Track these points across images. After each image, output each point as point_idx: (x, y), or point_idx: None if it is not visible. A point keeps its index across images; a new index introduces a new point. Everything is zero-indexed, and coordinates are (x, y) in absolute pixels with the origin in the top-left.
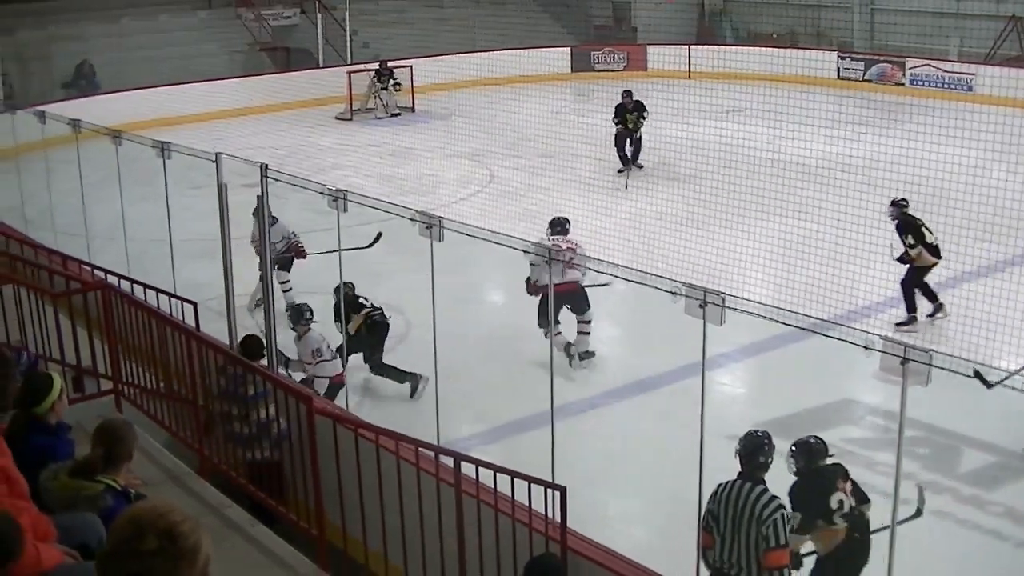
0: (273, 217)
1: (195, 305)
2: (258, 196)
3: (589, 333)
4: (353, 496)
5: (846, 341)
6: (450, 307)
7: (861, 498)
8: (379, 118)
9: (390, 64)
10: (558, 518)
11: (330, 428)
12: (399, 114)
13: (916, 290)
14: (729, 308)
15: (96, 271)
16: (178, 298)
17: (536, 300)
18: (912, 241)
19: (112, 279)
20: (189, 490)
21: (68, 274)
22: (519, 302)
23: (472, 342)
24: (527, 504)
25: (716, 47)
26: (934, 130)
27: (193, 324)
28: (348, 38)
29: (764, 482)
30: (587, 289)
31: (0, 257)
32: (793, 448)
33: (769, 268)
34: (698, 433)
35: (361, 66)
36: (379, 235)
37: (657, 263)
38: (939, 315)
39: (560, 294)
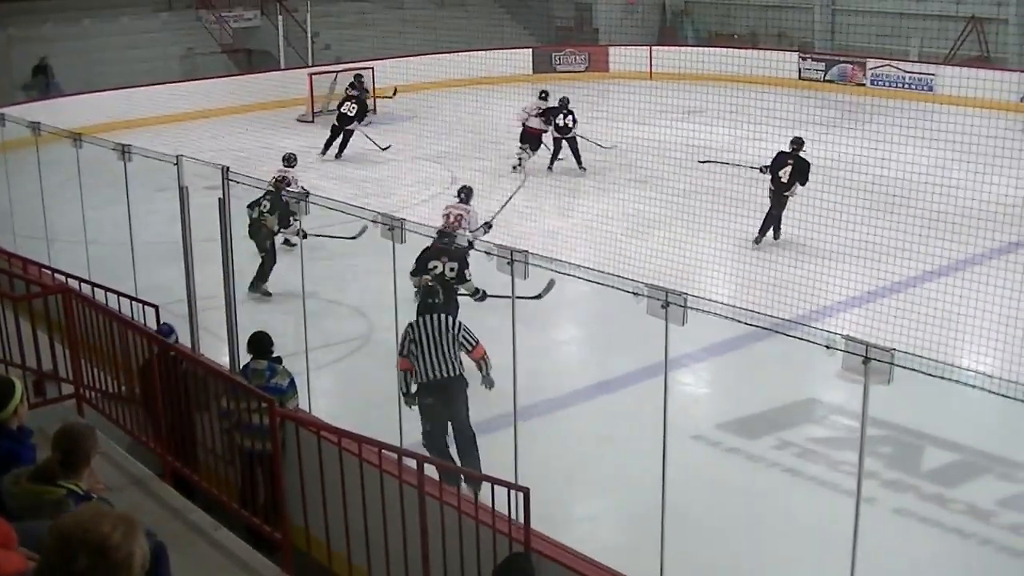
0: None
1: (156, 308)
2: (219, 199)
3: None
4: (316, 498)
5: (808, 341)
6: (413, 309)
7: None
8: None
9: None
10: (522, 519)
11: (293, 431)
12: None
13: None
14: (691, 308)
15: (57, 275)
16: (139, 301)
17: None
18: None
19: (73, 283)
20: (152, 494)
21: (28, 278)
22: (484, 303)
23: None
24: (491, 505)
25: (678, 48)
26: (895, 130)
27: (154, 327)
28: (309, 40)
29: None
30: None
31: None
32: None
33: (732, 268)
34: (662, 433)
35: (323, 68)
36: (364, 227)
37: (619, 264)
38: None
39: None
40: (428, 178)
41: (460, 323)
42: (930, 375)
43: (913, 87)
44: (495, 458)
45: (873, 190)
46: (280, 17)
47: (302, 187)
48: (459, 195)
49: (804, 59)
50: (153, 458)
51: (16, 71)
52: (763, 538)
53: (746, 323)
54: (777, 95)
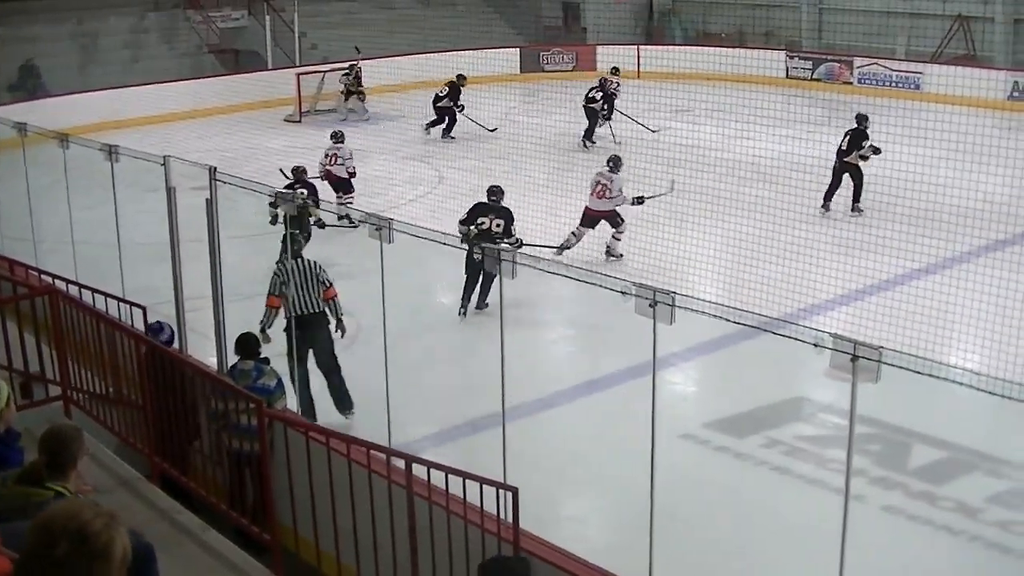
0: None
1: (144, 309)
2: (207, 199)
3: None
4: (305, 499)
5: (796, 339)
6: (401, 309)
7: None
8: (342, 120)
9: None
10: (511, 519)
11: (281, 431)
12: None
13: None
14: (679, 307)
15: (44, 276)
16: (126, 302)
17: None
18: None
19: (60, 284)
20: (140, 495)
21: (15, 279)
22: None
23: (424, 343)
24: (479, 505)
25: (665, 47)
26: (882, 129)
27: (142, 328)
28: (297, 40)
29: None
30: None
31: None
32: None
33: (720, 267)
34: (650, 433)
35: (310, 68)
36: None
37: (607, 263)
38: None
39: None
40: (416, 177)
41: (320, 264)
42: (918, 373)
43: (900, 85)
44: (483, 458)
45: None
46: (267, 17)
47: (352, 162)
48: (608, 164)
49: (792, 58)
50: (141, 459)
51: (3, 71)
52: (752, 537)
53: (734, 322)
54: (765, 94)
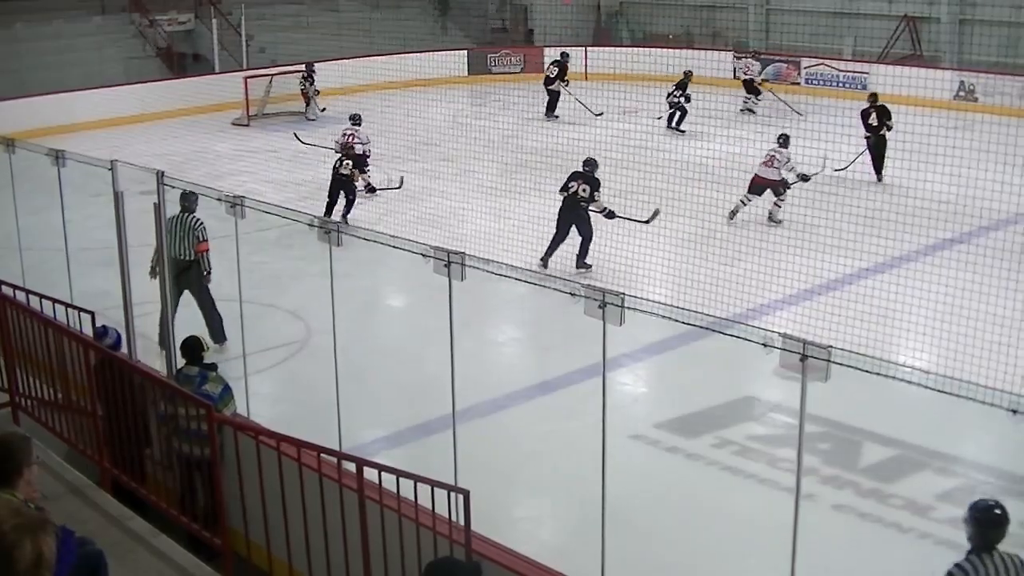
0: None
1: (92, 315)
2: (155, 203)
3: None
4: (256, 503)
5: (746, 339)
6: (351, 312)
7: None
8: (311, 120)
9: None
10: (463, 521)
11: (231, 436)
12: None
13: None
14: (628, 308)
15: None
16: (74, 307)
17: None
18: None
19: (7, 290)
20: (90, 502)
21: None
22: (421, 305)
23: (374, 346)
24: (431, 508)
25: (613, 48)
26: (830, 128)
27: (90, 334)
28: (244, 43)
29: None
30: None
31: None
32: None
33: (669, 267)
34: (601, 434)
35: (257, 71)
36: (402, 178)
37: (557, 265)
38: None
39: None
40: (365, 180)
41: (199, 220)
42: (867, 372)
43: (847, 86)
44: (435, 460)
45: (809, 188)
46: (214, 20)
47: (370, 146)
48: (779, 139)
49: (739, 58)
50: (91, 465)
51: None
52: (703, 536)
53: (684, 322)
54: (713, 94)
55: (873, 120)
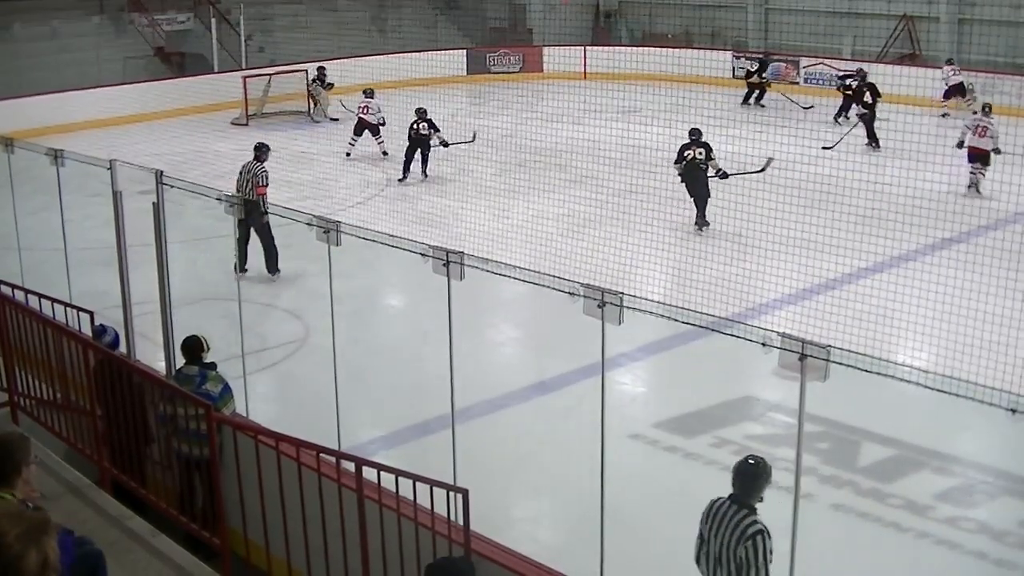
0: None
1: (91, 314)
2: (153, 203)
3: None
4: (255, 503)
5: (745, 339)
6: (350, 311)
7: None
8: (316, 121)
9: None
10: (462, 521)
11: (230, 436)
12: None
13: None
14: (627, 308)
15: None
16: (73, 307)
17: None
18: None
19: (6, 289)
20: (90, 502)
21: None
22: (420, 305)
23: (373, 346)
24: (430, 508)
25: (611, 48)
26: (829, 128)
27: (89, 333)
28: (243, 43)
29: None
30: None
31: None
32: None
33: (668, 267)
34: (600, 433)
35: (257, 71)
36: (475, 133)
37: (556, 264)
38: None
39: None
40: (364, 180)
41: (264, 168)
42: (866, 371)
43: None
44: (433, 460)
45: (808, 187)
46: (213, 20)
47: (383, 114)
48: (984, 108)
49: (738, 58)
50: (91, 465)
51: None
52: None
53: (682, 322)
54: (711, 94)
55: (868, 97)
